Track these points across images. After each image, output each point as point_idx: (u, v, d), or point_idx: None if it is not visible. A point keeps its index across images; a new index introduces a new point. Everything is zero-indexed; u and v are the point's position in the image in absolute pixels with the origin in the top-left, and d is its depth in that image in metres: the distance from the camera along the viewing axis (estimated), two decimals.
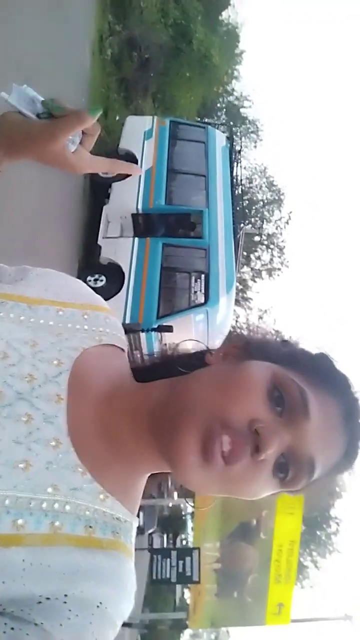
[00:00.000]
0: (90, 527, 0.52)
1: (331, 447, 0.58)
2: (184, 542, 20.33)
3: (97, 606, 0.48)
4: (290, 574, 6.39)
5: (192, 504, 0.71)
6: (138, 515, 0.59)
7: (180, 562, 7.40)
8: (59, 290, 0.68)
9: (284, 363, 0.59)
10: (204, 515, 6.85)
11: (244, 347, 0.63)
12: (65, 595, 0.47)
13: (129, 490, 0.59)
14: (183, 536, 21.95)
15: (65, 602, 0.47)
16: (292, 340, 0.65)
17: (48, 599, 0.46)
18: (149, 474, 0.62)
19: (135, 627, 12.17)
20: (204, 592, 7.21)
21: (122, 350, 0.69)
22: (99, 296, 0.73)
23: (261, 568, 6.45)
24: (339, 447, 0.59)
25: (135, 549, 0.57)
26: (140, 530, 11.99)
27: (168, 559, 7.55)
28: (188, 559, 7.34)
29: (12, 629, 0.43)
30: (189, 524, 18.83)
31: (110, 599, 0.50)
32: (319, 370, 0.61)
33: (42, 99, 0.60)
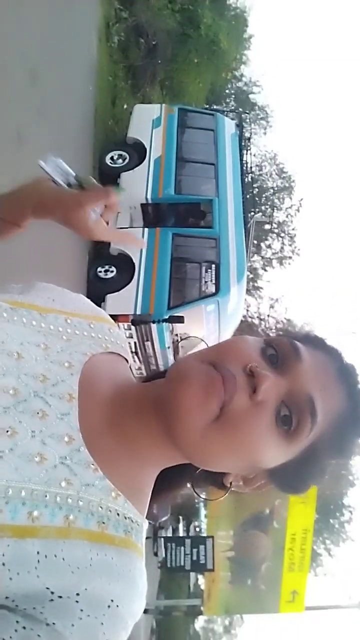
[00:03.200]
0: (103, 523, 0.52)
1: (328, 390, 0.58)
2: (198, 530, 20.50)
3: (109, 605, 0.48)
4: (304, 562, 6.42)
5: (205, 496, 0.71)
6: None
7: (195, 550, 7.47)
8: (64, 302, 0.71)
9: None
10: (218, 504, 6.90)
11: None
12: (78, 594, 0.47)
13: (139, 491, 0.59)
14: (196, 524, 22.13)
15: (77, 602, 0.47)
16: (281, 328, 0.69)
17: (60, 597, 0.46)
18: (158, 471, 0.63)
19: (151, 613, 12.37)
20: (218, 579, 7.28)
21: (126, 360, 0.72)
22: (101, 309, 0.77)
23: (275, 556, 6.48)
24: (337, 395, 0.59)
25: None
26: (153, 517, 12.04)
27: (182, 547, 7.63)
28: (202, 547, 7.42)
29: (24, 628, 0.43)
30: (202, 512, 18.97)
31: (122, 597, 0.50)
32: (310, 340, 0.64)
33: (75, 173, 0.70)
